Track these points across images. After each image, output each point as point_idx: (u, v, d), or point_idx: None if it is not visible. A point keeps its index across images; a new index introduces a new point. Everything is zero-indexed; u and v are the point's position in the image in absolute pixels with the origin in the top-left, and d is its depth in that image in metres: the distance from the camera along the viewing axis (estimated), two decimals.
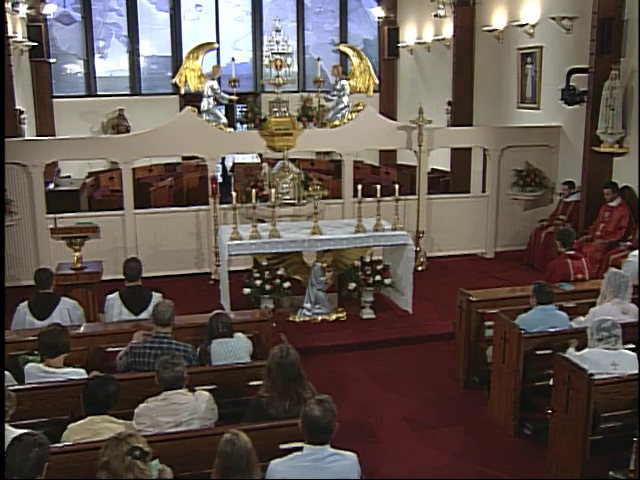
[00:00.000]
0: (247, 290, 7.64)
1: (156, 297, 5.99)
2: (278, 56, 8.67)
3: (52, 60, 15.81)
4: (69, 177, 12.97)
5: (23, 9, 13.42)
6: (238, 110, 13.88)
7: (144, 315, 5.82)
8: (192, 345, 5.19)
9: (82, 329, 5.76)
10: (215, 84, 10.14)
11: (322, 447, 3.54)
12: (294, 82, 10.31)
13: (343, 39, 17.68)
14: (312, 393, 4.14)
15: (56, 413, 4.55)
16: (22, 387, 4.62)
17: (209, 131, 9.49)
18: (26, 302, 5.94)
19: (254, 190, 8.14)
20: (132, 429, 3.98)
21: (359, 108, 10.00)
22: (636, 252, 7.06)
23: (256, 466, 3.39)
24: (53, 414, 4.56)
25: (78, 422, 4.05)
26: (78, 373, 4.77)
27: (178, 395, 4.18)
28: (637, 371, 4.87)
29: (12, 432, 3.66)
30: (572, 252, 6.97)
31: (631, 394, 4.68)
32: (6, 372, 4.75)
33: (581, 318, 5.96)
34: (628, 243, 8.44)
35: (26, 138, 12.26)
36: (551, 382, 5.12)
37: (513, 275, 9.31)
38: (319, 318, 7.88)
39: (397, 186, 8.04)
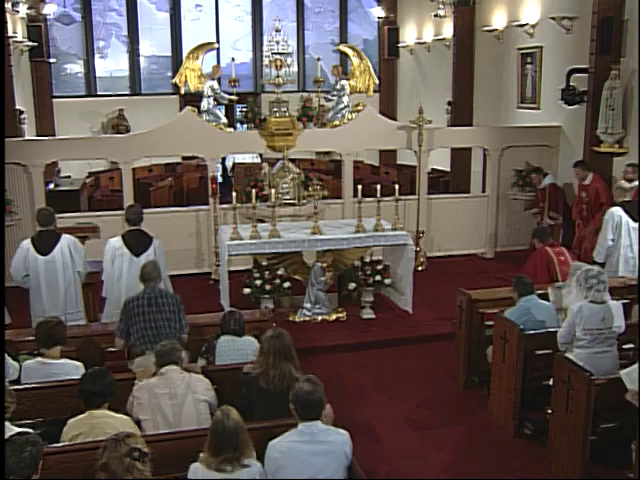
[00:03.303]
0: (247, 290, 7.65)
1: (156, 242, 6.45)
2: (278, 56, 8.67)
3: (52, 60, 15.80)
4: (69, 177, 12.95)
5: (23, 9, 13.43)
6: (238, 110, 13.90)
7: (144, 258, 6.17)
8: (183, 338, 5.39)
9: (86, 268, 6.36)
10: (215, 84, 10.14)
11: (315, 423, 3.72)
12: (294, 82, 10.29)
13: (343, 39, 17.69)
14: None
15: (56, 413, 4.54)
16: (22, 387, 4.62)
17: (209, 131, 9.48)
18: (29, 239, 6.26)
19: (254, 190, 8.14)
20: (130, 424, 4.04)
21: (359, 108, 9.99)
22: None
23: (247, 442, 3.57)
24: (53, 414, 4.56)
25: (77, 417, 4.09)
26: (75, 366, 4.82)
27: (174, 372, 4.37)
28: (622, 322, 5.12)
29: (11, 430, 3.67)
30: (549, 242, 7.23)
31: None
32: (12, 361, 4.82)
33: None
34: None
35: (26, 138, 12.25)
36: (551, 382, 5.13)
37: (513, 275, 9.16)
38: (319, 318, 7.88)
39: (397, 186, 8.05)
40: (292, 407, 3.76)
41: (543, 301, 5.91)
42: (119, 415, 4.10)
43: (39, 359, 4.79)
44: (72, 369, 4.74)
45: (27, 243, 6.25)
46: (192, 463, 3.58)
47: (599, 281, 5.05)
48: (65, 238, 6.29)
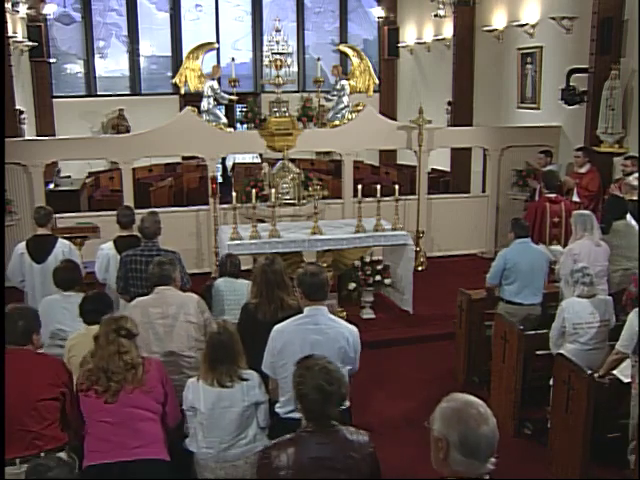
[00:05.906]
0: None
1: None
2: (278, 56, 8.66)
3: (52, 60, 15.78)
4: (69, 177, 12.95)
5: (23, 9, 13.41)
6: (238, 110, 13.88)
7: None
8: None
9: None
10: (215, 84, 10.14)
11: (320, 309, 3.83)
12: (294, 82, 10.28)
13: (343, 39, 17.67)
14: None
15: None
16: None
17: (209, 131, 9.48)
18: (24, 243, 6.15)
19: (254, 190, 8.12)
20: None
21: (359, 108, 9.99)
22: None
23: (241, 353, 3.73)
24: None
25: (74, 334, 4.36)
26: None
27: (168, 291, 4.52)
28: (612, 316, 5.20)
29: None
30: (553, 195, 7.21)
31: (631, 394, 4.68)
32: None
33: (557, 247, 6.42)
34: None
35: (26, 138, 12.25)
36: (551, 382, 5.13)
37: None
38: None
39: (397, 186, 8.04)
40: (298, 290, 3.87)
41: (536, 245, 6.20)
42: None
43: (61, 293, 4.98)
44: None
45: (22, 247, 6.14)
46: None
47: (584, 274, 5.14)
48: (60, 244, 6.16)
